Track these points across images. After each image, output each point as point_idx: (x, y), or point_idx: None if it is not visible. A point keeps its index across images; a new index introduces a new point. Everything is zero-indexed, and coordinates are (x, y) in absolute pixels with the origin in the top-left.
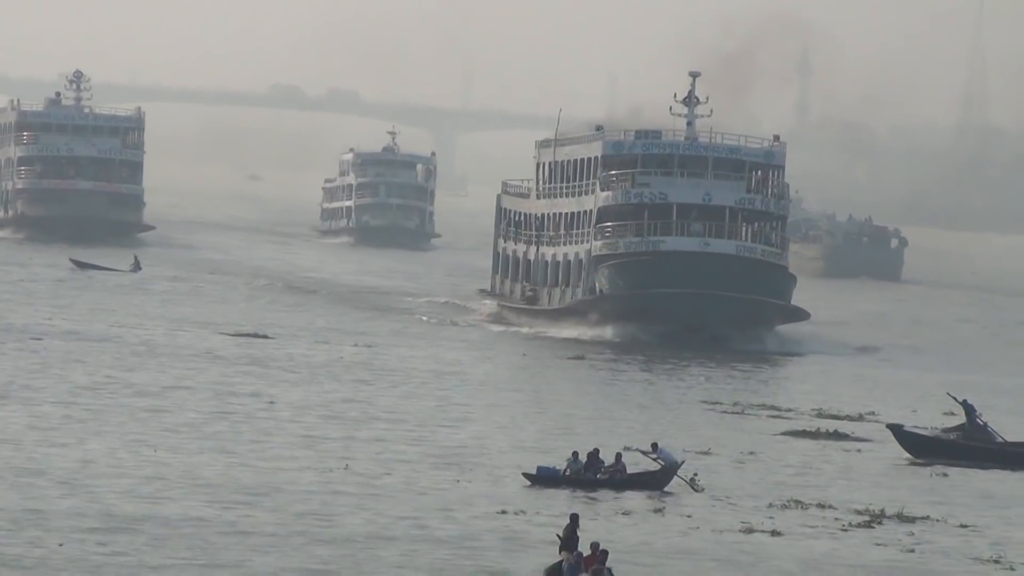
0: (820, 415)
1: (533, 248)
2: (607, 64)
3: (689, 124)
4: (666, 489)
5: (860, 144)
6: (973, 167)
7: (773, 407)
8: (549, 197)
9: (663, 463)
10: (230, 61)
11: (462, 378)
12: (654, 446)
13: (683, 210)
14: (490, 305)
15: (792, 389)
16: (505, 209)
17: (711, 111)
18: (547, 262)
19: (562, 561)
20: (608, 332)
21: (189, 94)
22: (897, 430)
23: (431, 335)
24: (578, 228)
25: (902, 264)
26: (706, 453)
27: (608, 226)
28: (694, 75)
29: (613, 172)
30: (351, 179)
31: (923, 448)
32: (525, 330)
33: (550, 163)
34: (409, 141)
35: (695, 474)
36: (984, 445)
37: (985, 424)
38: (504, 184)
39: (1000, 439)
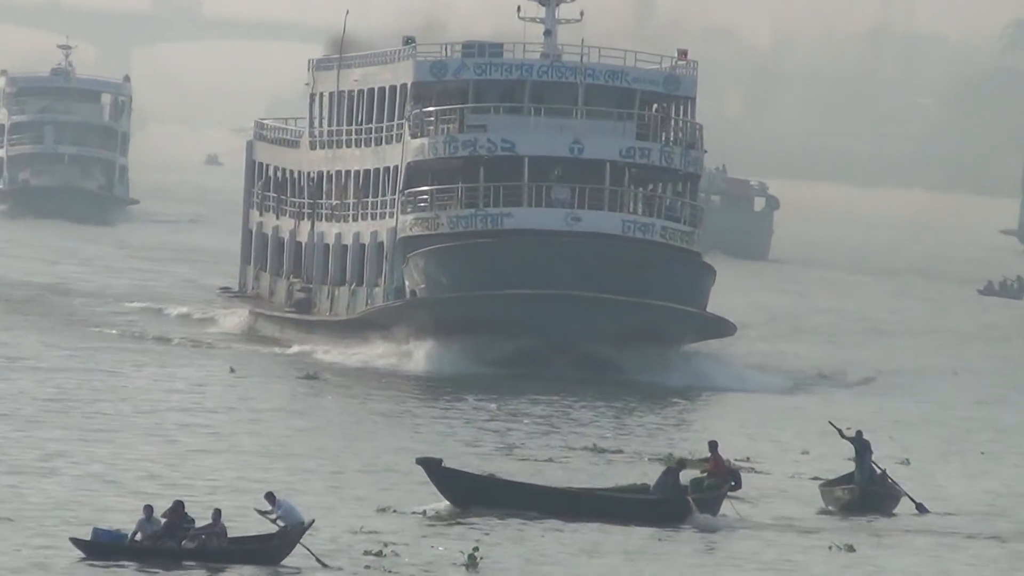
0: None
1: (306, 224)
2: None
3: (548, 33)
4: (286, 562)
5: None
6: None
7: (597, 447)
8: (331, 147)
9: (284, 523)
10: None
11: (114, 407)
12: (270, 497)
13: (540, 166)
14: (239, 313)
15: (643, 424)
16: (261, 164)
17: (581, 13)
18: (328, 246)
19: None
20: (424, 354)
21: None
22: (431, 465)
23: (115, 356)
24: (377, 194)
25: (771, 234)
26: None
27: (424, 192)
28: None
29: (430, 108)
30: (3, 117)
31: (465, 491)
32: (294, 350)
33: (332, 93)
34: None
35: (477, 548)
36: (547, 489)
37: (884, 471)
38: (258, 125)
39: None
